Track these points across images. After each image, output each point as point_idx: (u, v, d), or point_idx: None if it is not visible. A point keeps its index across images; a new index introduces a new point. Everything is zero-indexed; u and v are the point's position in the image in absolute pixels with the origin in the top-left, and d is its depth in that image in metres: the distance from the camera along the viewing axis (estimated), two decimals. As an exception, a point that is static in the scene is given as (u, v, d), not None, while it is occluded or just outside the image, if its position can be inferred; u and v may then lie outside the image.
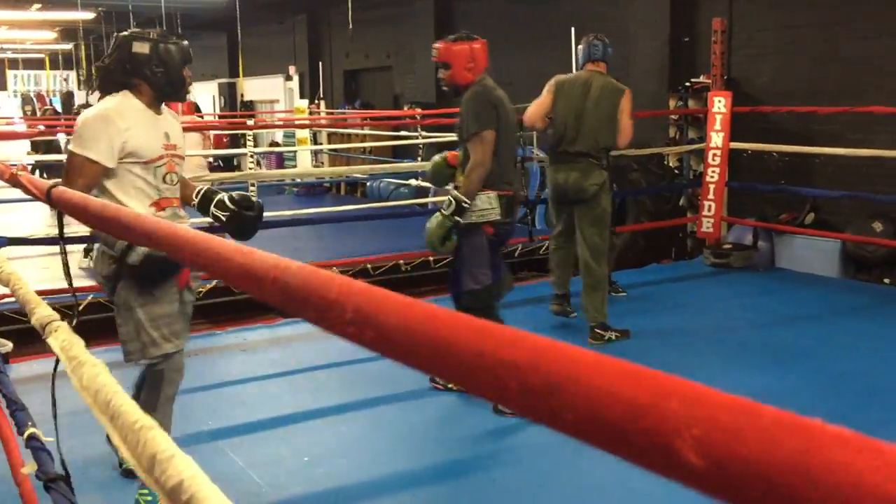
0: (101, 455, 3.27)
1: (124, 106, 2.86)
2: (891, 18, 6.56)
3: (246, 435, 3.67)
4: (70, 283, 1.84)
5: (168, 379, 2.94)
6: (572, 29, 7.75)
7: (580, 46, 5.08)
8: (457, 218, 3.73)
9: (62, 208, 1.47)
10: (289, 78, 16.44)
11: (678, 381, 0.39)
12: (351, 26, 11.55)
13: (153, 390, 2.93)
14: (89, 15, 15.22)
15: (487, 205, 3.79)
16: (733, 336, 5.05)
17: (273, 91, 17.21)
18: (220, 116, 16.48)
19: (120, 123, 2.80)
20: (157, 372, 2.92)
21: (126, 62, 2.87)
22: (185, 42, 3.02)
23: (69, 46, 21.17)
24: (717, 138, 6.86)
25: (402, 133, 10.99)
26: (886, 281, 6.37)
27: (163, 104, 3.03)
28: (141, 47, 2.88)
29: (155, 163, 2.90)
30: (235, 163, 13.28)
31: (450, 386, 4.15)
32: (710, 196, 6.94)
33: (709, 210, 6.95)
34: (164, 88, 2.93)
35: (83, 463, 3.17)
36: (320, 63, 15.44)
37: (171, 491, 1.33)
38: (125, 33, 2.96)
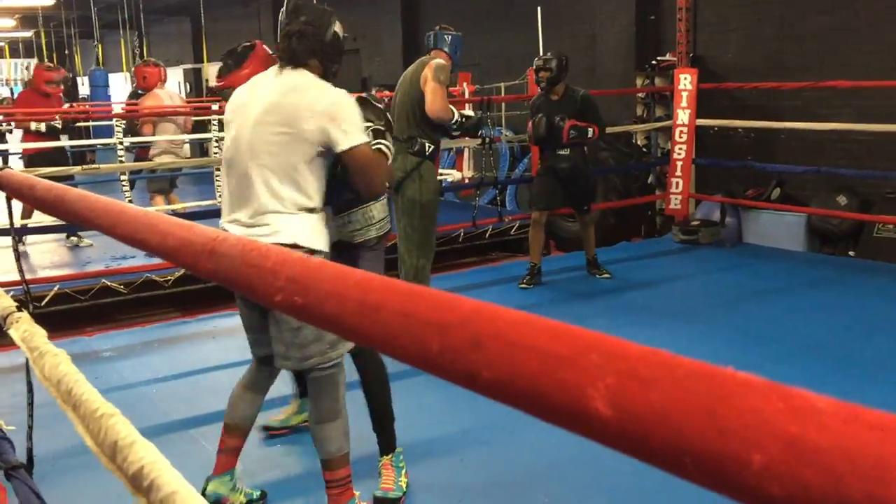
0: (69, 445, 3.24)
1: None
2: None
3: (217, 423, 3.62)
4: (21, 274, 1.80)
5: (342, 380, 2.65)
6: (538, 9, 7.74)
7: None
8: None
9: (7, 191, 1.42)
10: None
11: (600, 335, 0.39)
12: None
13: (332, 398, 2.63)
14: (49, 2, 14.93)
15: (384, 213, 3.17)
16: (702, 311, 5.10)
17: (239, 76, 17.03)
18: (186, 102, 16.25)
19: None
20: (330, 377, 2.60)
21: (318, 40, 2.55)
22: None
23: (29, 34, 20.78)
24: (683, 115, 6.90)
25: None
26: (851, 253, 6.46)
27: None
28: (341, 28, 2.64)
29: None
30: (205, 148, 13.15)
31: None
32: (678, 173, 6.99)
33: (676, 187, 7.00)
34: (334, 74, 2.64)
35: (52, 453, 3.14)
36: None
37: (133, 476, 1.32)
38: (323, 6, 2.72)
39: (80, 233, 7.23)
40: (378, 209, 3.04)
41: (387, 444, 2.99)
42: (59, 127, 7.41)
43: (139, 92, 8.35)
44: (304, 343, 2.50)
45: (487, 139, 6.66)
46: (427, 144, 4.45)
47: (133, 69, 11.10)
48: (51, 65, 8.43)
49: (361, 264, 3.00)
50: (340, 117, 2.43)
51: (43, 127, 7.09)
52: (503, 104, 9.38)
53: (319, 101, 2.44)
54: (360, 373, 3.02)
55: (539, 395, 0.39)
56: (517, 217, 7.47)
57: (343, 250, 2.97)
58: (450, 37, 4.78)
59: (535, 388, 0.39)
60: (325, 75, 2.57)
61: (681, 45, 7.50)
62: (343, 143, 2.43)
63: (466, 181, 8.35)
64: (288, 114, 2.43)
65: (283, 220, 2.46)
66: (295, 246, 2.37)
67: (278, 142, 2.42)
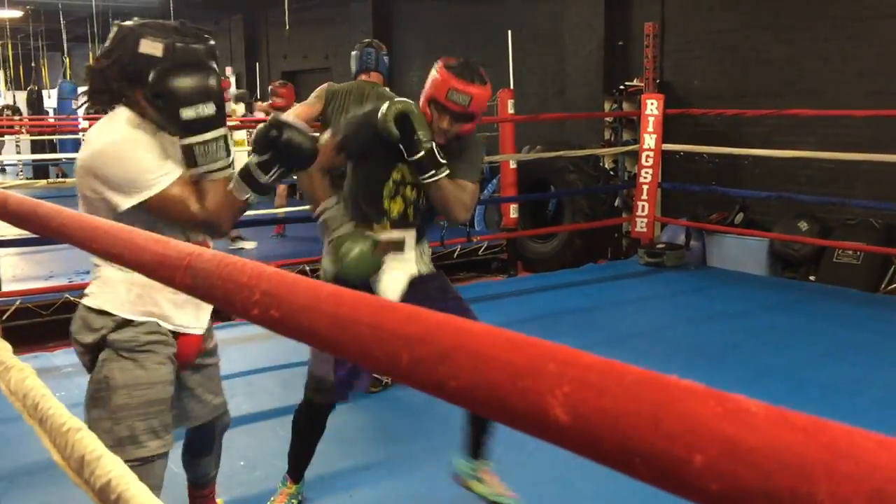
0: (32, 461, 3.20)
1: (139, 129, 2.07)
2: (816, 22, 6.80)
3: (181, 440, 3.62)
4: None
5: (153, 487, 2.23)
6: (509, 32, 7.84)
7: (353, 53, 4.55)
8: None
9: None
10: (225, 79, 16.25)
11: (556, 346, 0.42)
12: (288, 27, 11.47)
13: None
14: (16, 13, 14.80)
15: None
16: (666, 333, 5.17)
17: (210, 92, 16.97)
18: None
19: (144, 152, 2.05)
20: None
21: (128, 65, 2.03)
22: (212, 41, 2.18)
23: (-4, 45, 20.54)
24: (650, 140, 7.01)
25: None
26: (812, 278, 6.59)
27: None
28: (151, 47, 2.02)
29: None
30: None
31: (385, 381, 4.16)
32: (644, 197, 7.09)
33: (642, 210, 7.10)
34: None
35: (12, 470, 3.11)
36: (257, 64, 15.29)
37: (100, 490, 1.33)
38: (129, 23, 2.10)
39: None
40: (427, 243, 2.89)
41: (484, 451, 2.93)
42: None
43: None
44: (96, 432, 2.15)
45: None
46: None
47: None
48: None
49: (452, 289, 2.89)
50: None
51: None
52: (473, 125, 9.44)
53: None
54: None
55: (502, 403, 0.41)
56: (485, 237, 7.52)
57: (427, 280, 2.80)
58: (387, 58, 4.46)
59: (499, 396, 0.42)
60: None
61: (648, 70, 7.64)
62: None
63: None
64: None
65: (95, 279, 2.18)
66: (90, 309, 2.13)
67: None
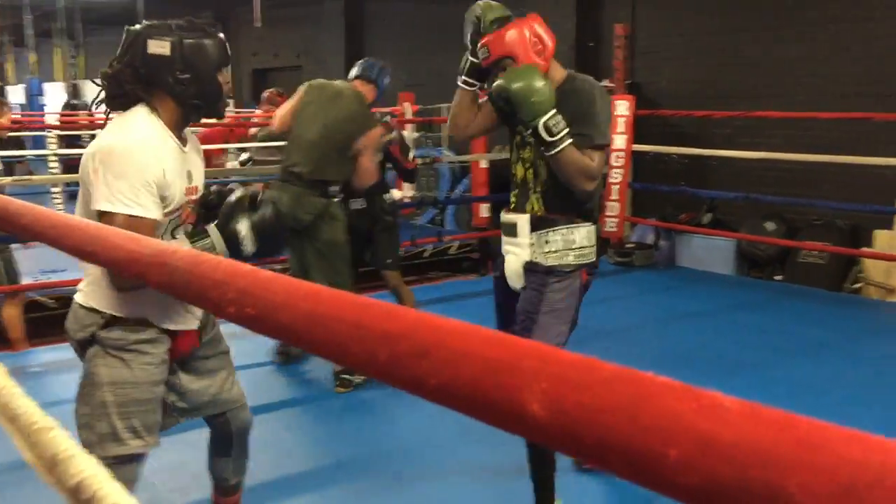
0: (2, 461, 3.16)
1: (152, 134, 2.08)
2: (783, 25, 6.90)
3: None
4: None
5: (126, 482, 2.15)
6: (480, 32, 7.84)
7: (359, 61, 4.39)
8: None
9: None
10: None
11: (534, 344, 0.43)
12: (259, 24, 11.40)
13: None
14: (-19, 8, 14.55)
15: (587, 241, 2.72)
16: (635, 332, 5.22)
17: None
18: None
19: (155, 164, 2.03)
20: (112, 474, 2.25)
21: (140, 67, 2.09)
22: (221, 34, 2.20)
23: (-41, 40, 20.18)
24: (620, 141, 7.06)
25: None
26: (778, 278, 6.69)
27: (187, 127, 2.23)
28: (159, 46, 2.08)
29: (173, 214, 2.14)
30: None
31: (356, 381, 4.16)
32: (614, 197, 7.14)
33: (612, 210, 7.15)
34: (194, 102, 2.13)
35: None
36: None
37: (73, 490, 1.31)
38: (137, 27, 2.16)
39: None
40: (583, 234, 2.68)
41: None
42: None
43: (73, 103, 8.21)
44: (79, 424, 2.14)
45: (430, 159, 6.72)
46: (339, 185, 4.13)
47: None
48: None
49: (548, 294, 2.64)
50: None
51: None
52: (444, 125, 9.46)
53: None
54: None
55: (481, 400, 0.42)
56: (457, 237, 7.53)
57: (532, 272, 2.67)
58: (388, 80, 4.29)
59: (477, 393, 0.42)
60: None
61: (618, 72, 7.69)
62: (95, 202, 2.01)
63: (406, 200, 8.39)
64: None
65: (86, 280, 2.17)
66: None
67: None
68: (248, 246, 2.11)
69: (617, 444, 0.36)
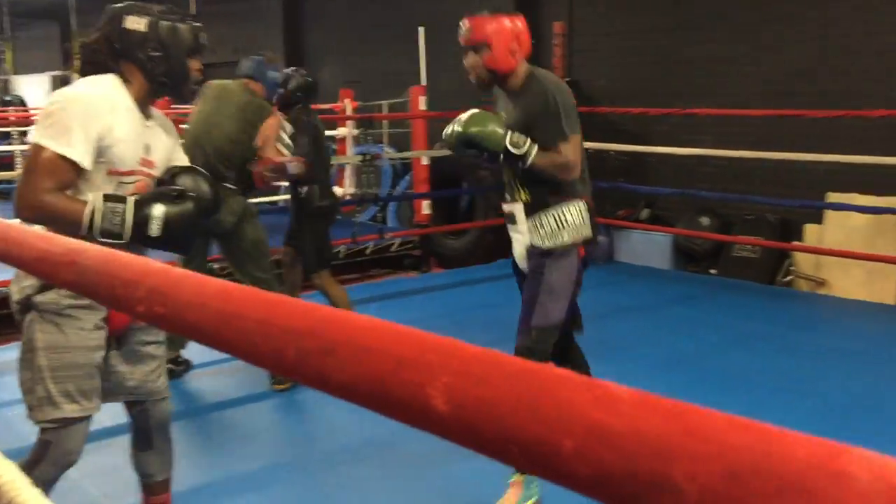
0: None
1: (113, 93, 2.19)
2: (716, 25, 7.05)
3: (88, 450, 3.51)
4: None
5: (51, 457, 2.18)
6: (420, 29, 7.85)
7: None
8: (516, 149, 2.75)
9: None
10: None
11: (439, 338, 0.43)
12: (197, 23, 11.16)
13: (32, 463, 2.17)
14: None
15: (579, 218, 2.89)
16: (574, 326, 5.27)
17: (113, 85, 16.39)
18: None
19: (106, 115, 2.13)
20: (43, 442, 2.18)
21: (115, 41, 2.22)
22: (199, 24, 2.35)
23: None
24: (559, 137, 7.12)
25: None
26: (713, 271, 6.83)
27: (153, 104, 2.34)
28: (136, 23, 2.23)
29: (123, 177, 2.20)
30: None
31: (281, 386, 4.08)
32: (554, 193, 7.21)
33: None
34: (161, 80, 2.25)
35: None
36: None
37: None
38: (118, 5, 2.30)
39: None
40: (573, 212, 2.87)
41: None
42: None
43: (6, 99, 7.96)
44: (23, 390, 2.20)
45: (369, 156, 6.69)
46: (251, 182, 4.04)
47: None
48: None
49: (546, 276, 2.87)
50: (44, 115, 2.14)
51: None
52: (385, 122, 9.44)
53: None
54: None
55: (385, 395, 0.42)
56: (398, 234, 7.52)
57: (533, 255, 2.91)
58: (276, 73, 4.20)
59: (382, 389, 0.42)
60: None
61: (557, 69, 7.76)
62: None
63: (347, 198, 8.35)
64: None
65: None
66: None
67: None
68: (154, 230, 2.14)
69: (515, 437, 0.36)
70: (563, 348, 3.14)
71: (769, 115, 6.35)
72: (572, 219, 2.87)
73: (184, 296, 0.55)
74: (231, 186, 3.90)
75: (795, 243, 6.44)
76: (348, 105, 8.87)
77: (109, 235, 2.08)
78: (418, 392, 0.40)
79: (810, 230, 6.40)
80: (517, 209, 2.93)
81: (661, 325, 5.27)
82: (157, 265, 0.61)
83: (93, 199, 2.10)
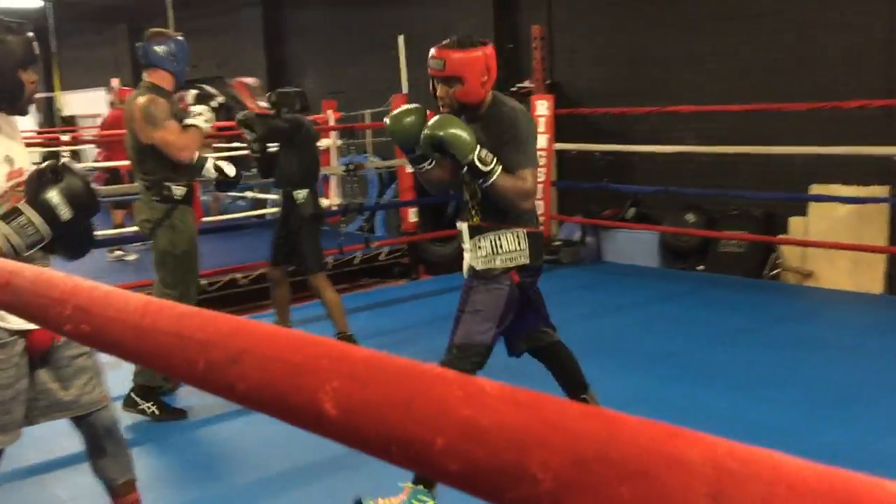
0: None
1: None
2: (692, 22, 7.08)
3: (68, 467, 3.50)
4: None
5: None
6: (400, 37, 7.87)
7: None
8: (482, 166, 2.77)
9: None
10: (112, 90, 15.68)
11: (333, 342, 0.44)
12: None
13: None
14: None
15: (515, 245, 2.98)
16: (561, 327, 5.26)
17: (96, 105, 16.37)
18: (38, 132, 15.54)
19: None
20: None
21: None
22: (29, 33, 2.25)
23: None
24: (542, 140, 7.15)
25: (235, 144, 10.76)
26: (700, 268, 6.86)
27: None
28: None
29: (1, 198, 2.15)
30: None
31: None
32: (539, 196, 7.23)
33: (538, 209, 7.24)
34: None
35: None
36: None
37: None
38: None
39: (124, 246, 7.33)
40: (510, 239, 2.96)
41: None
42: None
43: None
44: None
45: (353, 166, 6.70)
46: (174, 188, 3.86)
47: None
48: None
49: (473, 295, 2.95)
50: None
51: None
52: (369, 131, 9.46)
53: None
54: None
55: (283, 401, 0.43)
56: (385, 242, 7.53)
57: (469, 275, 3.02)
58: (163, 47, 3.92)
59: (280, 395, 0.43)
60: None
61: (537, 72, 7.79)
62: None
63: (334, 208, 8.35)
64: None
65: None
66: None
67: None
68: (65, 212, 2.09)
69: (395, 436, 0.37)
70: (550, 350, 3.30)
71: (749, 109, 6.38)
72: (507, 245, 2.96)
73: (108, 312, 0.56)
74: (154, 197, 3.85)
75: (781, 236, 6.47)
76: (331, 116, 8.88)
77: (35, 245, 2.06)
78: (311, 397, 0.41)
79: (795, 223, 6.43)
80: (464, 228, 3.03)
81: (649, 322, 5.29)
82: (85, 283, 0.62)
83: None
